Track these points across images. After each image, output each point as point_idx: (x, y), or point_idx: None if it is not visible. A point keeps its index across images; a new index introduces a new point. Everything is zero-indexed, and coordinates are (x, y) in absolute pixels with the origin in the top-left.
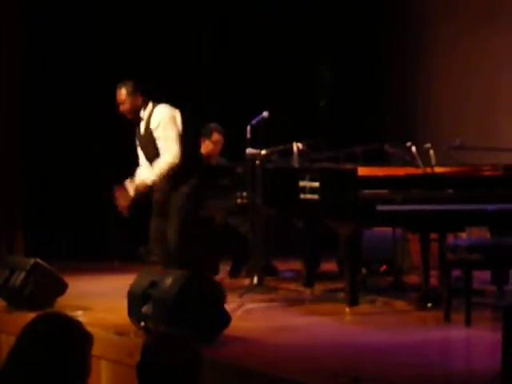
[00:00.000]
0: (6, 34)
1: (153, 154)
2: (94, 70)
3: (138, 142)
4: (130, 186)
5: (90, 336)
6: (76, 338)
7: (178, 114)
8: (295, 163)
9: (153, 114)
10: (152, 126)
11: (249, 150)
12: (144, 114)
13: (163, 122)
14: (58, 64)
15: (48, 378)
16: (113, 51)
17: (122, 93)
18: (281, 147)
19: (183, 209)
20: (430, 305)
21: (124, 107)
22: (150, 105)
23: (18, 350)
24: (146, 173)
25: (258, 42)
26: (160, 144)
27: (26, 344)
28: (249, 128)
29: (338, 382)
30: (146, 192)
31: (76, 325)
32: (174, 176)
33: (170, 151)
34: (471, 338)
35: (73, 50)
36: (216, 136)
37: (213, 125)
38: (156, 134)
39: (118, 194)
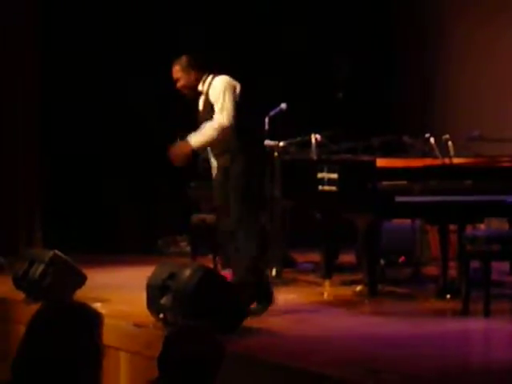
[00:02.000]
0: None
1: None
2: (113, 63)
3: (198, 121)
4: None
5: (98, 315)
6: (84, 320)
7: (238, 86)
8: (313, 155)
9: (212, 85)
10: (211, 97)
11: (267, 142)
12: (203, 87)
13: (222, 89)
14: (76, 58)
15: (61, 365)
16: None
17: (177, 69)
18: (299, 139)
19: (243, 190)
20: (448, 296)
21: (179, 84)
22: (210, 77)
23: (27, 341)
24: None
25: (276, 33)
26: (215, 108)
27: (35, 334)
28: (267, 120)
29: (357, 374)
30: (188, 156)
31: (82, 307)
32: (231, 150)
33: (223, 113)
34: (490, 330)
35: (93, 42)
36: None
37: None
38: (213, 99)
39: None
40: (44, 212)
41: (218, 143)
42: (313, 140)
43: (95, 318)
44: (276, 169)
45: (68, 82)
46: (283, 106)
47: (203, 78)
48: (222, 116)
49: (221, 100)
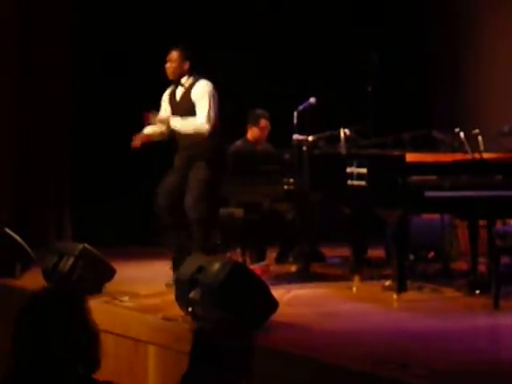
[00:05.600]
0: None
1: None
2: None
3: (168, 104)
4: (153, 117)
5: (79, 296)
6: (65, 302)
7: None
8: (342, 149)
9: (196, 85)
10: (193, 95)
11: (296, 136)
12: (186, 82)
13: (208, 94)
14: (106, 46)
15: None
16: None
17: (175, 54)
18: (328, 133)
19: (206, 184)
20: (478, 292)
21: (171, 66)
22: (193, 77)
23: (18, 335)
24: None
25: (305, 27)
26: (198, 109)
27: (24, 327)
28: (296, 114)
29: (386, 369)
30: (166, 127)
31: (58, 291)
32: (202, 148)
33: (206, 116)
34: None
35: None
36: (263, 122)
37: (259, 111)
38: (197, 101)
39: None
40: (73, 205)
41: (189, 137)
42: (342, 134)
43: (79, 301)
44: (305, 163)
45: (99, 78)
46: (312, 100)
47: (188, 74)
48: (206, 119)
49: (206, 104)
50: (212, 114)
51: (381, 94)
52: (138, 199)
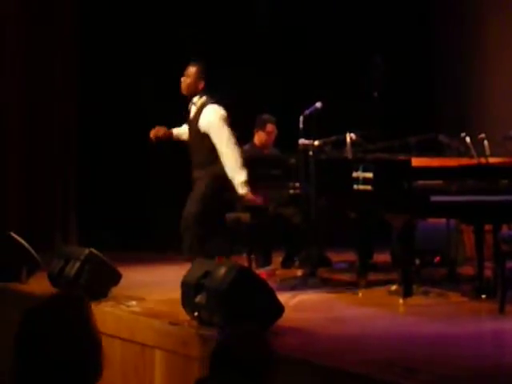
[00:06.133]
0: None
1: (201, 143)
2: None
3: (186, 119)
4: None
5: (83, 300)
6: (69, 308)
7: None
8: (348, 154)
9: (205, 112)
10: (201, 122)
11: (302, 141)
12: (197, 101)
13: (221, 123)
14: (112, 48)
15: (59, 358)
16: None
17: (192, 69)
18: (334, 138)
19: (206, 197)
20: (484, 296)
21: (186, 80)
22: (204, 97)
23: (21, 341)
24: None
25: (312, 31)
26: (217, 145)
27: (24, 340)
28: (302, 118)
29: (392, 373)
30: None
31: (64, 296)
32: (213, 167)
33: (230, 146)
34: None
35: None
36: (269, 127)
37: (266, 116)
38: (207, 130)
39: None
40: (79, 210)
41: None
42: (348, 139)
43: (81, 306)
44: (311, 168)
45: (106, 80)
46: (318, 104)
47: (200, 94)
48: (231, 149)
49: (223, 135)
50: (231, 138)
51: (387, 99)
52: (145, 204)
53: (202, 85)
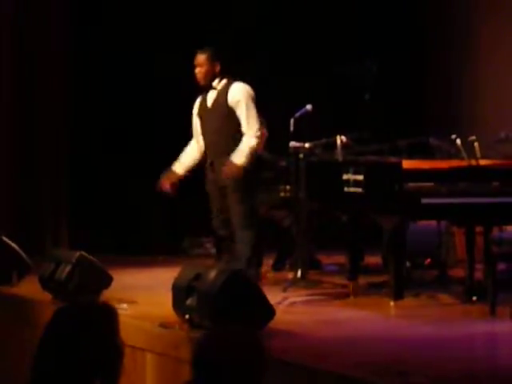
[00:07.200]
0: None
1: (227, 127)
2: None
3: (197, 116)
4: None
5: (114, 313)
6: (99, 319)
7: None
8: (339, 156)
9: (232, 90)
10: (230, 100)
11: (292, 144)
12: (218, 85)
13: (247, 100)
14: (105, 55)
15: (80, 365)
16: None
17: (202, 57)
18: (324, 140)
19: (245, 195)
20: (475, 298)
21: (201, 71)
22: (226, 79)
23: (45, 344)
24: (232, 155)
25: (303, 34)
26: (244, 122)
27: (52, 337)
28: (292, 121)
29: (383, 376)
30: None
31: (97, 306)
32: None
33: (254, 124)
34: None
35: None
36: None
37: None
38: (238, 112)
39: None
40: (70, 213)
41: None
42: (338, 141)
43: (111, 316)
44: (301, 170)
45: (98, 80)
46: (309, 107)
47: (220, 76)
48: (254, 127)
49: (249, 112)
50: (256, 118)
51: (377, 101)
52: (136, 207)
53: (218, 67)
